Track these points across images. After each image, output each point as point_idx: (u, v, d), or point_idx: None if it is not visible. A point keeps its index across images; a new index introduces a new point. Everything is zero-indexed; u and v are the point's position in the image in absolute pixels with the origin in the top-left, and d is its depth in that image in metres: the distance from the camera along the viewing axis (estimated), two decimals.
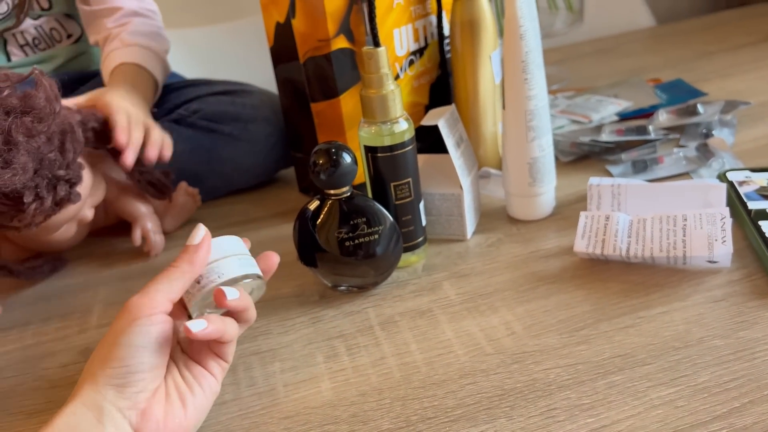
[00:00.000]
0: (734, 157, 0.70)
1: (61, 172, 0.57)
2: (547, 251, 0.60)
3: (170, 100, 0.83)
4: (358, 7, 0.66)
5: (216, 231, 0.73)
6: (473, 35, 0.69)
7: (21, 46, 0.83)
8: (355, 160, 0.54)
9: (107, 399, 0.40)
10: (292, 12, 0.66)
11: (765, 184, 0.62)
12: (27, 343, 0.59)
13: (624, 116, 0.83)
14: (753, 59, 1.01)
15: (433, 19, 0.74)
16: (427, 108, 0.76)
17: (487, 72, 0.70)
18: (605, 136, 0.76)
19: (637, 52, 1.16)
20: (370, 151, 0.57)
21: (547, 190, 0.64)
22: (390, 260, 0.57)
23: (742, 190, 0.61)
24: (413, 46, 0.71)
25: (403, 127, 0.56)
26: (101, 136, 0.65)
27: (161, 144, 0.68)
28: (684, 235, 0.54)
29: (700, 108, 0.78)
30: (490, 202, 0.70)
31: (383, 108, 0.55)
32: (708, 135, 0.75)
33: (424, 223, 0.61)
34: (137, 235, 0.70)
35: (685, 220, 0.55)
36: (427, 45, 0.74)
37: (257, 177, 0.82)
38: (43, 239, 0.65)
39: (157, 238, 0.71)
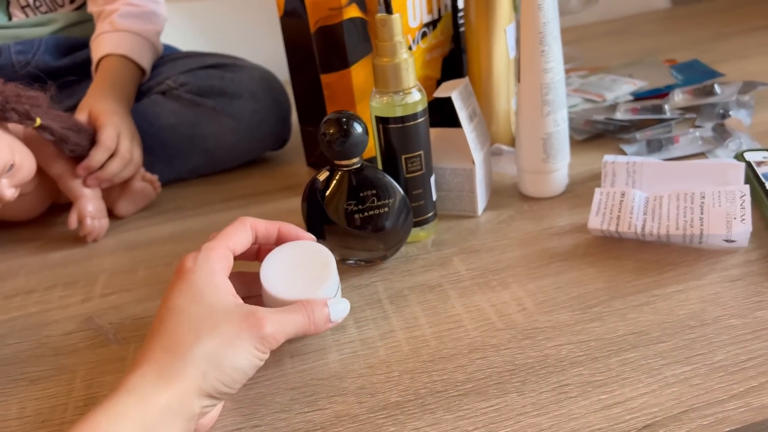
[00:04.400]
0: (751, 137, 0.69)
1: None
2: (559, 228, 0.59)
3: (162, 72, 0.81)
4: None
5: (223, 203, 0.73)
6: (488, 8, 0.67)
7: (22, 8, 0.82)
8: (366, 131, 0.53)
9: (202, 405, 0.39)
10: None
11: None
12: (30, 310, 0.58)
13: (639, 96, 0.81)
14: None
15: None
16: (439, 82, 0.74)
17: (502, 46, 0.69)
18: (620, 115, 0.75)
19: (652, 32, 1.14)
20: (382, 122, 0.55)
21: (561, 167, 0.63)
22: (399, 234, 0.56)
23: (760, 171, 0.60)
24: (426, 18, 0.70)
25: (416, 98, 0.55)
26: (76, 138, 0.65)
27: (120, 168, 0.69)
28: (702, 213, 0.52)
29: (717, 88, 0.76)
30: (501, 179, 0.69)
31: (396, 77, 0.54)
32: (725, 116, 0.73)
33: (434, 197, 0.60)
34: (73, 219, 0.67)
35: (703, 197, 0.53)
36: (440, 17, 0.72)
37: (241, 156, 0.79)
38: None
39: (95, 224, 0.67)
